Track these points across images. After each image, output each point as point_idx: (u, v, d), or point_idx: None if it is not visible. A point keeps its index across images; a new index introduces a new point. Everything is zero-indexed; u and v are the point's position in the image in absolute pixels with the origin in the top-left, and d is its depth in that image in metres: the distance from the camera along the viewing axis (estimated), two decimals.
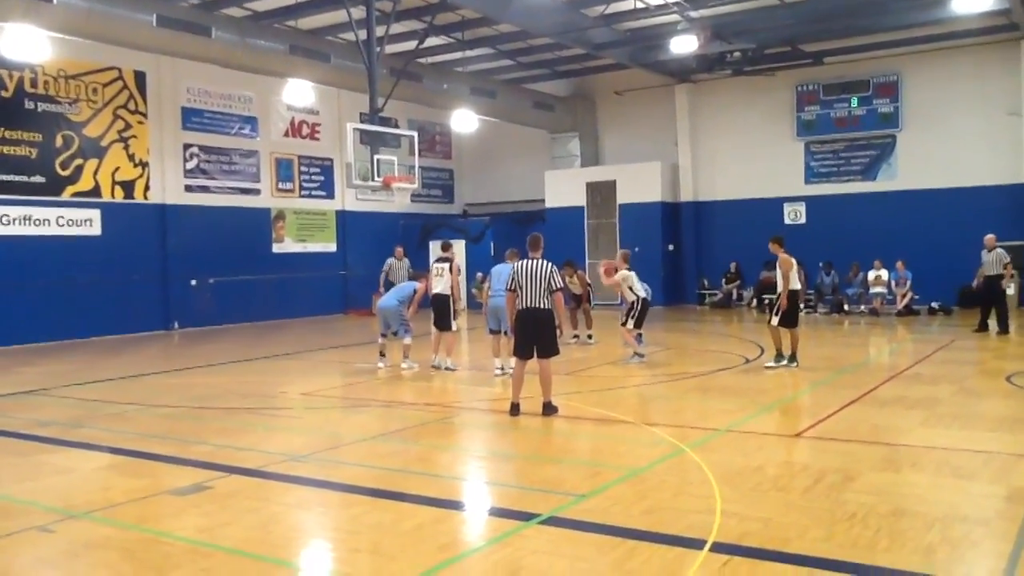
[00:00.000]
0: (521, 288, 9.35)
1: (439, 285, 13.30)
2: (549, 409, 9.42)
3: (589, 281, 17.39)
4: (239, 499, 6.49)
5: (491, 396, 11.15)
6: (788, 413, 9.74)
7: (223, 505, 6.31)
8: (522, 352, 9.46)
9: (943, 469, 6.87)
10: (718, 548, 5.11)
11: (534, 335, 9.35)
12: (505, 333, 12.49)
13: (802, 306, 14.18)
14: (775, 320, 12.46)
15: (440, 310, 13.23)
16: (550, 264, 9.41)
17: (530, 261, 9.45)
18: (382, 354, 13.74)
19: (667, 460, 7.36)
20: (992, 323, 16.58)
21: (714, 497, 6.11)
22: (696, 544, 5.17)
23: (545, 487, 6.66)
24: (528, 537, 5.45)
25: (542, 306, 9.29)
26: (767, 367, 12.54)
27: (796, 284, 12.54)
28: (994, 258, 16.33)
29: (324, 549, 5.68)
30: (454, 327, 13.48)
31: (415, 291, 13.65)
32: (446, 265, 13.36)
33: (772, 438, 8.18)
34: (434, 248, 25.94)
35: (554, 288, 9.31)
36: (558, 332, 9.54)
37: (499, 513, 6.12)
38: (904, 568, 4.78)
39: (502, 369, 12.37)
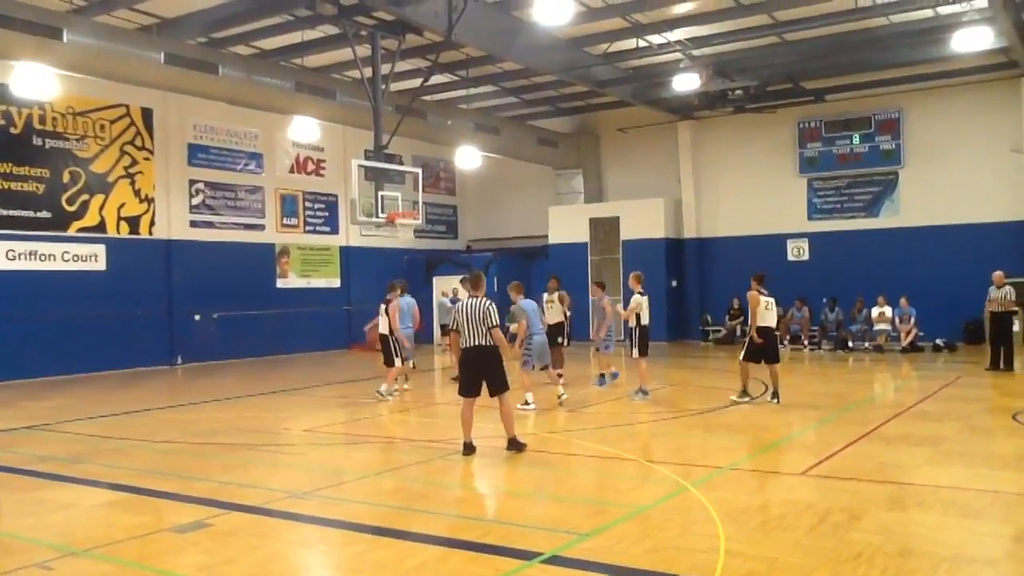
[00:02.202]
0: (462, 327, 9.33)
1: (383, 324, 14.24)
2: (515, 445, 9.37)
3: (567, 312, 15.91)
4: (240, 536, 6.44)
5: (493, 434, 11.07)
6: (793, 451, 9.67)
7: (224, 543, 6.27)
8: (467, 391, 9.42)
9: (950, 508, 6.81)
10: None
11: (480, 373, 9.33)
12: (544, 368, 13.10)
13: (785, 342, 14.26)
14: (741, 355, 12.85)
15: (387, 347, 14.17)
16: (488, 302, 9.37)
17: (471, 299, 9.48)
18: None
19: (671, 498, 7.30)
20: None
21: (718, 536, 6.06)
22: None
23: (548, 525, 6.61)
24: None
25: (484, 343, 9.26)
26: (732, 400, 12.69)
27: (768, 321, 12.76)
28: (1003, 294, 16.29)
29: None
30: (397, 363, 14.23)
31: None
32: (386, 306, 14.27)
33: (777, 476, 8.12)
34: (437, 284, 26.27)
35: (491, 325, 9.23)
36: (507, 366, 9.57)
37: (501, 552, 6.06)
38: None
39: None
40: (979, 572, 5.36)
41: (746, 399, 12.66)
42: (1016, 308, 16.58)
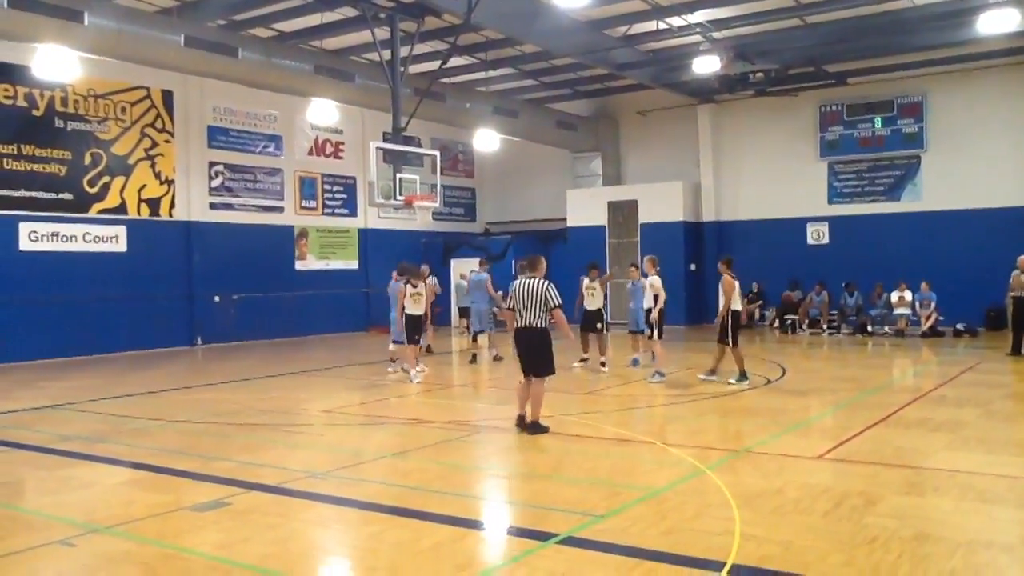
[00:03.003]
0: (518, 308, 9.48)
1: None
2: (535, 428, 9.46)
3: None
4: (258, 515, 6.51)
5: (511, 415, 11.11)
6: (810, 434, 9.65)
7: (242, 521, 6.35)
8: (525, 369, 9.63)
9: (967, 493, 6.78)
10: (737, 571, 5.07)
11: (530, 354, 9.48)
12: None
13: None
14: (730, 342, 13.07)
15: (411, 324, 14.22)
16: (548, 283, 9.52)
17: (528, 280, 9.57)
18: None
19: (687, 481, 7.31)
20: None
21: (734, 519, 6.06)
22: (715, 566, 5.14)
23: (563, 507, 6.63)
24: (546, 557, 5.44)
25: (537, 326, 9.40)
26: (699, 377, 13.22)
27: (737, 305, 13.16)
28: None
29: (342, 567, 5.69)
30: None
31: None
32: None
33: (793, 460, 8.10)
34: (455, 266, 26.32)
35: (551, 306, 9.39)
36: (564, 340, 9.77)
37: (517, 532, 6.10)
38: None
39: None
40: (996, 557, 5.34)
41: (746, 382, 12.83)
42: None
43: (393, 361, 15.29)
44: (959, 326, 20.92)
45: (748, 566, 5.14)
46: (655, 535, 5.80)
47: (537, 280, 9.55)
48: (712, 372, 13.30)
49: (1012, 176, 21.77)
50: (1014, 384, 13.36)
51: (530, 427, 9.49)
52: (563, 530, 5.89)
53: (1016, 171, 21.73)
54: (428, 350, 17.66)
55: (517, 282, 9.70)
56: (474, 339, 17.93)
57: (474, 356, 16.86)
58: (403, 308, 14.10)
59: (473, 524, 6.41)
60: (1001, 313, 20.68)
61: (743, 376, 12.98)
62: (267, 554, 5.62)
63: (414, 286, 14.15)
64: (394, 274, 15.39)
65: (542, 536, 5.79)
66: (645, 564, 5.22)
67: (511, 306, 9.65)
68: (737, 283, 13.16)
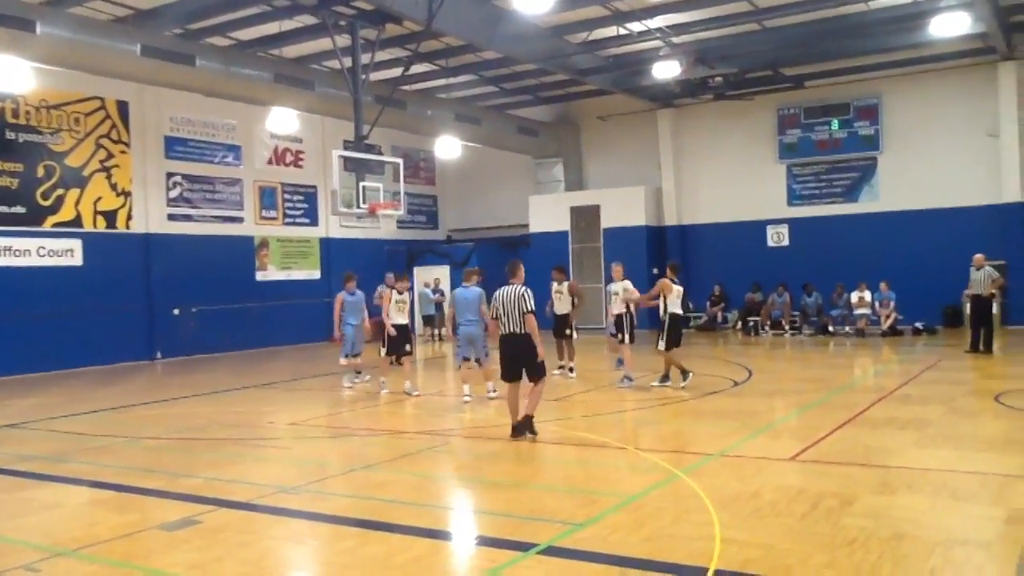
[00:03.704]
0: (500, 315, 9.50)
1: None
2: (526, 423, 9.42)
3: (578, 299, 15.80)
4: (230, 533, 6.36)
5: (480, 423, 11.06)
6: (780, 436, 9.70)
7: (214, 540, 6.19)
8: (509, 376, 9.58)
9: (940, 492, 6.84)
10: None
11: (517, 360, 9.47)
12: (477, 361, 12.62)
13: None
14: (662, 345, 13.03)
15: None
16: (524, 288, 9.57)
17: (508, 288, 9.58)
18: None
19: (663, 486, 7.29)
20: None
21: (713, 523, 6.05)
22: (698, 572, 5.12)
23: (541, 516, 6.58)
24: (528, 568, 5.38)
25: (521, 332, 9.41)
26: (652, 385, 13.04)
27: (676, 309, 13.12)
28: (983, 277, 16.40)
29: None
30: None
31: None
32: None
33: (766, 462, 8.13)
34: (419, 274, 26.21)
35: (524, 311, 9.39)
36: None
37: (496, 544, 6.02)
38: None
39: (471, 396, 12.46)
40: (973, 555, 5.38)
41: (668, 383, 12.94)
42: (995, 291, 16.70)
43: (358, 373, 14.97)
44: (918, 325, 21.25)
45: (731, 570, 5.12)
46: (635, 542, 5.76)
47: (516, 287, 9.57)
48: (667, 377, 13.20)
49: (966, 176, 22.19)
50: (975, 381, 13.58)
51: (523, 420, 9.44)
52: (543, 540, 5.83)
53: (970, 171, 22.16)
54: (398, 361, 17.37)
55: (500, 290, 9.68)
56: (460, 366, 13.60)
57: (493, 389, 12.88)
58: (387, 316, 13.69)
59: (450, 536, 6.33)
60: (958, 311, 21.10)
61: (665, 378, 13.16)
62: (242, 573, 5.49)
63: (400, 292, 13.87)
64: (390, 278, 14.80)
65: (523, 547, 5.73)
66: (629, 572, 5.18)
67: (494, 315, 9.64)
68: (676, 287, 13.11)
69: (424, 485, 8.02)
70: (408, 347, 14.07)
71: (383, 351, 13.89)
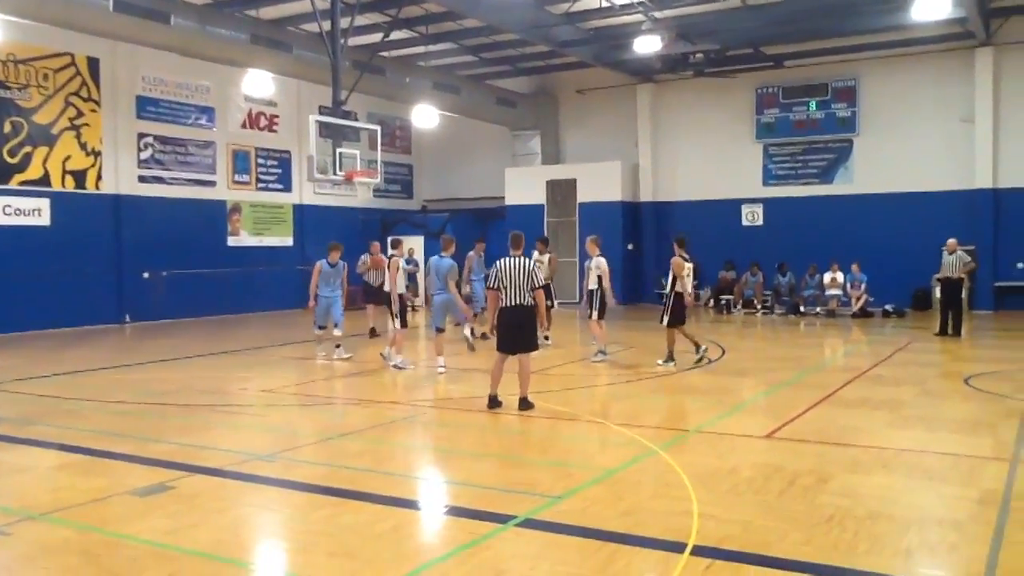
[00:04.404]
0: (504, 286, 9.44)
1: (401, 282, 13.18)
2: (525, 404, 9.47)
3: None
4: (204, 500, 6.29)
5: (458, 394, 11.03)
6: (756, 414, 9.76)
7: (188, 506, 6.11)
8: (506, 347, 9.56)
9: (914, 472, 6.92)
10: (699, 551, 5.06)
11: (517, 332, 9.45)
12: (440, 331, 12.54)
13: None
14: (666, 320, 12.96)
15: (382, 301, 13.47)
16: (532, 262, 9.60)
17: (512, 259, 9.55)
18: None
19: (640, 461, 7.30)
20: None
21: (691, 499, 6.06)
22: (677, 547, 5.12)
23: (519, 488, 6.56)
24: (507, 540, 5.36)
25: (525, 303, 9.40)
26: (658, 364, 12.87)
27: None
28: (955, 261, 16.57)
29: (299, 552, 5.51)
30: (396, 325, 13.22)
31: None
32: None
33: (743, 439, 8.17)
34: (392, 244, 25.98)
35: (535, 286, 9.44)
36: (540, 327, 9.78)
37: (475, 515, 5.99)
38: (886, 572, 4.78)
39: (445, 367, 12.37)
40: (947, 534, 5.44)
41: (672, 363, 12.76)
42: (964, 275, 16.87)
43: (338, 347, 14.15)
44: (887, 307, 21.46)
45: (710, 546, 5.14)
46: (614, 516, 5.76)
47: (520, 258, 9.55)
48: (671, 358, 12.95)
49: (940, 161, 22.37)
50: (945, 363, 13.75)
51: (520, 403, 9.47)
52: (521, 512, 5.82)
53: (944, 156, 22.34)
54: (373, 332, 17.28)
55: (501, 261, 9.62)
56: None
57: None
58: (395, 285, 13.06)
59: (428, 507, 6.29)
60: (928, 294, 21.36)
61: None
62: (218, 540, 5.43)
63: (408, 262, 13.50)
64: (375, 245, 14.46)
65: (501, 518, 5.70)
66: (608, 546, 5.18)
67: (495, 285, 9.54)
68: (690, 264, 13.08)
69: (400, 455, 7.98)
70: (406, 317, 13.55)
71: (397, 323, 12.95)
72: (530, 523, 5.64)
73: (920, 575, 4.84)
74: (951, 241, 16.89)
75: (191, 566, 5.01)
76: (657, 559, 5.01)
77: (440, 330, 12.64)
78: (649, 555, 5.08)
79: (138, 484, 6.70)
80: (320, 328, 14.21)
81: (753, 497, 6.18)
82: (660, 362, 12.89)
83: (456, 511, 6.25)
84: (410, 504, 6.16)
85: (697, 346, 13.07)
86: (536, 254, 15.24)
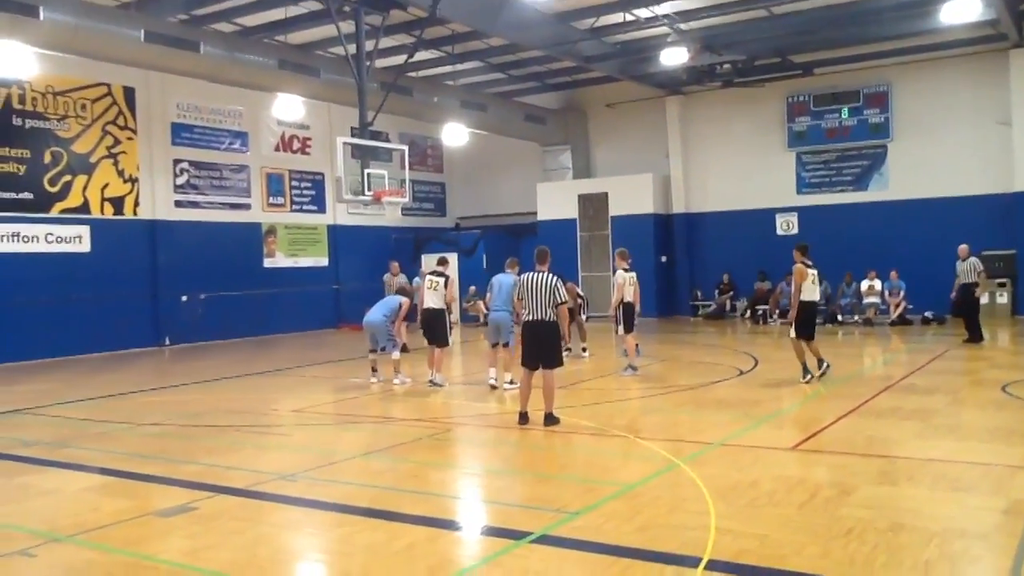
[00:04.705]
0: (526, 301, 9.50)
1: (433, 299, 13.14)
2: (550, 420, 9.47)
3: (581, 293, 17.30)
4: (226, 520, 6.36)
5: (483, 411, 11.05)
6: (783, 426, 9.65)
7: (209, 526, 6.19)
8: (529, 362, 9.59)
9: (940, 482, 6.79)
10: (713, 566, 5.02)
11: (538, 347, 9.48)
12: (505, 345, 12.40)
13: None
14: (792, 333, 12.49)
15: (432, 324, 13.09)
16: (555, 278, 9.57)
17: (536, 274, 9.60)
18: (374, 369, 13.61)
19: (661, 475, 7.26)
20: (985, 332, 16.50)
21: (709, 513, 6.01)
22: (691, 562, 5.08)
23: (538, 504, 6.56)
24: (520, 556, 5.35)
25: (547, 319, 9.43)
26: (800, 382, 12.06)
27: (810, 295, 12.51)
28: (968, 267, 16.28)
29: (313, 571, 5.57)
30: (449, 341, 13.41)
31: (400, 305, 13.60)
32: (442, 280, 13.19)
33: (767, 451, 8.08)
34: (427, 261, 26.14)
35: (558, 302, 9.44)
36: (563, 344, 9.74)
37: (491, 532, 6.01)
38: None
39: (497, 382, 12.27)
40: (970, 546, 5.32)
41: (808, 376, 12.06)
42: (977, 280, 16.42)
43: (374, 371, 13.59)
44: (927, 314, 21.09)
45: (724, 560, 5.09)
46: (630, 531, 5.73)
47: (545, 274, 9.58)
48: (805, 371, 12.20)
49: (976, 164, 21.98)
50: (982, 371, 13.45)
51: (546, 419, 9.48)
52: (537, 528, 5.81)
53: (980, 159, 21.95)
54: (405, 349, 17.34)
55: (525, 275, 9.71)
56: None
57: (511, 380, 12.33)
58: (423, 302, 13.08)
59: (446, 524, 6.30)
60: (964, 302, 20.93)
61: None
62: (235, 560, 5.49)
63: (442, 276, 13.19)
64: (395, 265, 14.31)
65: (516, 535, 5.70)
66: (621, 561, 5.15)
67: (520, 298, 9.67)
68: (813, 272, 12.52)
69: (423, 473, 8.01)
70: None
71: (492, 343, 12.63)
72: (545, 539, 5.63)
73: None
74: (963, 247, 16.57)
75: None
76: (670, 574, 4.97)
77: (495, 345, 12.48)
78: (662, 570, 5.03)
79: (162, 505, 6.81)
80: (371, 351, 13.80)
81: (772, 510, 6.11)
82: (819, 373, 12.18)
83: (473, 528, 6.27)
84: (427, 522, 6.18)
85: (820, 361, 12.33)
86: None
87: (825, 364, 12.37)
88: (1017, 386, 11.13)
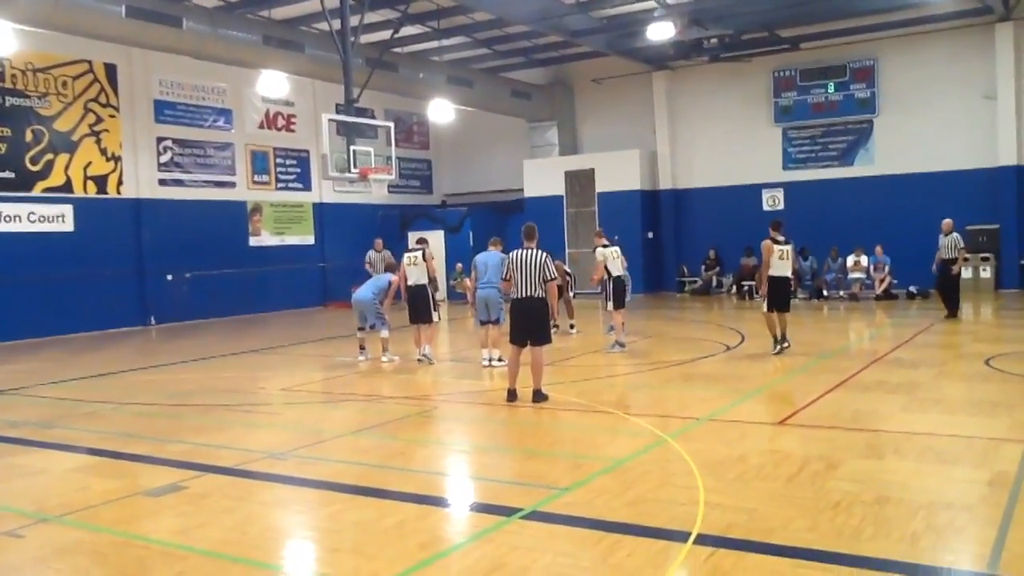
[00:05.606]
0: (515, 278, 9.48)
1: (413, 275, 13.13)
2: (539, 397, 9.48)
3: (568, 270, 17.31)
4: (215, 499, 6.36)
5: (472, 388, 11.07)
6: (770, 400, 9.71)
7: (199, 505, 6.19)
8: (517, 339, 9.60)
9: (926, 455, 6.85)
10: (703, 540, 5.05)
11: (527, 324, 9.49)
12: (496, 322, 12.38)
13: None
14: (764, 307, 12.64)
15: (416, 301, 13.08)
16: (544, 254, 9.57)
17: (525, 251, 9.58)
18: (362, 347, 13.60)
19: (650, 451, 7.29)
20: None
21: (698, 488, 6.05)
22: (680, 536, 5.11)
23: (527, 480, 6.59)
24: (510, 532, 5.37)
25: (536, 295, 9.44)
26: (772, 354, 12.35)
27: (779, 271, 12.47)
28: (950, 243, 16.36)
29: (303, 549, 5.57)
30: (435, 318, 13.40)
31: (390, 283, 13.54)
32: (418, 253, 13.20)
33: (754, 426, 8.14)
34: (413, 239, 26.06)
35: (547, 278, 9.45)
36: (551, 321, 9.73)
37: (481, 508, 6.04)
38: (889, 557, 4.74)
39: (490, 360, 12.27)
40: (956, 518, 5.38)
41: (778, 348, 12.34)
42: (956, 256, 16.47)
43: (362, 349, 13.64)
44: (912, 289, 21.21)
45: (713, 535, 5.12)
46: (620, 506, 5.76)
47: (534, 251, 9.57)
48: (776, 342, 12.52)
49: (962, 139, 22.03)
50: (966, 344, 13.56)
51: (534, 396, 9.48)
52: (527, 504, 5.83)
53: (966, 134, 22.00)
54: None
55: (514, 252, 9.69)
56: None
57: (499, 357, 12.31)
58: (406, 279, 13.07)
59: (436, 501, 6.32)
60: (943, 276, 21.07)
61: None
62: (225, 539, 5.49)
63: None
64: (378, 242, 14.32)
65: (506, 511, 5.72)
66: (610, 536, 5.18)
67: (508, 276, 9.66)
68: (778, 247, 12.40)
69: (412, 450, 8.02)
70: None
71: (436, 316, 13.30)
72: (535, 515, 5.65)
73: (925, 559, 4.79)
74: (947, 222, 16.64)
75: (198, 565, 5.08)
76: (660, 548, 5.01)
77: (484, 323, 12.47)
78: (652, 544, 5.07)
79: (151, 485, 6.80)
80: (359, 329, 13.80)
81: (761, 484, 6.15)
82: (772, 351, 12.37)
83: (463, 505, 6.29)
84: (417, 499, 6.19)
85: (782, 336, 12.46)
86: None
87: (785, 343, 12.48)
88: (1000, 359, 11.22)
